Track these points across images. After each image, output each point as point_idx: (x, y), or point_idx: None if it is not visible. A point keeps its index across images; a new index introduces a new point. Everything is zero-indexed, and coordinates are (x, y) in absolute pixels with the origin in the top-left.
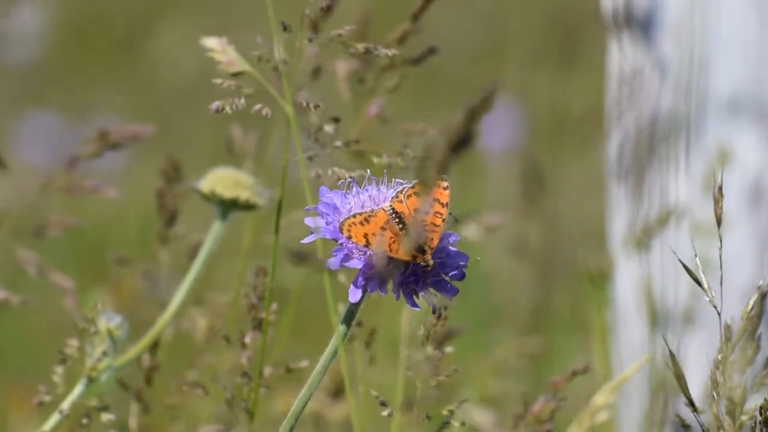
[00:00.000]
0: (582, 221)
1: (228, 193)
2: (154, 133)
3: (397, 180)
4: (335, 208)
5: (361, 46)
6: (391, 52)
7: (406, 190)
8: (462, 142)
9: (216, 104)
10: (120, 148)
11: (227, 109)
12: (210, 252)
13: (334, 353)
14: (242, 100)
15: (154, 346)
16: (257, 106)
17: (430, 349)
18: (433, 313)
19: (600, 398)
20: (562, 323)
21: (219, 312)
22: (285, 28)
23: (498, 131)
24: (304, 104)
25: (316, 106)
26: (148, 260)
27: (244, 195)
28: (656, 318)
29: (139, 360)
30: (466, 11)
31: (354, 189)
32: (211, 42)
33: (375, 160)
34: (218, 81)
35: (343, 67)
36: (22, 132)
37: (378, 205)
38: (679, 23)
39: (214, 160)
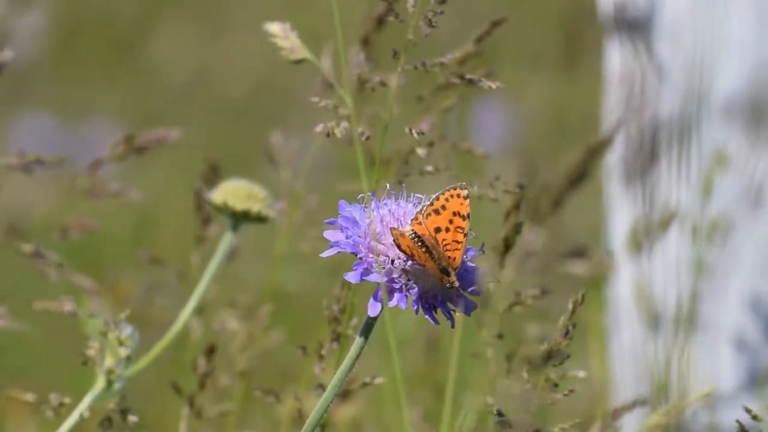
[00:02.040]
0: (579, 224)
1: (240, 205)
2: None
3: (417, 195)
4: (355, 222)
5: (464, 76)
6: (495, 85)
7: (424, 209)
8: (579, 178)
9: (322, 126)
10: (145, 152)
11: (336, 132)
12: (220, 263)
13: (352, 366)
14: (346, 123)
15: (210, 352)
16: (360, 129)
17: (525, 373)
18: (452, 327)
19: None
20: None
21: (254, 319)
22: (395, 54)
23: (493, 132)
24: (408, 130)
25: (420, 133)
26: (180, 261)
27: (255, 207)
28: (656, 321)
29: (194, 364)
30: (463, 14)
31: (373, 203)
32: (274, 27)
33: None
34: (315, 99)
35: (394, 82)
36: (18, 133)
37: (398, 219)
38: (677, 27)
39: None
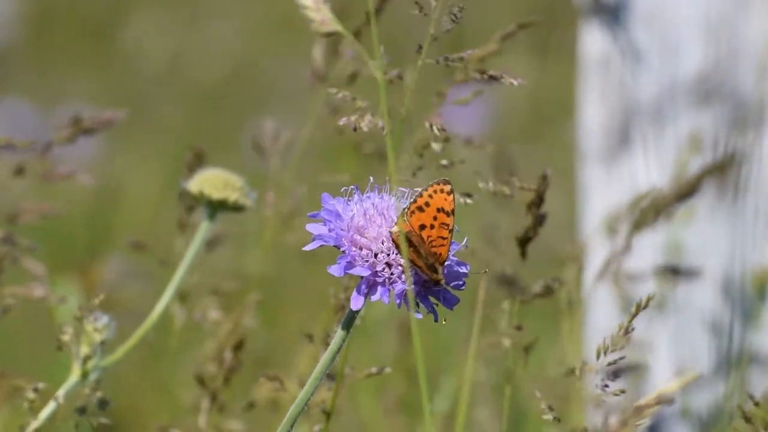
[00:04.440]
0: (553, 207)
1: (217, 194)
2: (128, 120)
3: (400, 189)
4: (338, 215)
5: (486, 72)
6: (517, 81)
7: (408, 206)
8: (688, 194)
9: (345, 119)
10: (93, 133)
11: (362, 125)
12: (197, 253)
13: (333, 358)
14: (370, 116)
15: (238, 347)
16: (381, 123)
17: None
18: (435, 321)
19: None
20: (533, 309)
21: (239, 308)
22: (419, 48)
23: (468, 117)
24: (429, 125)
25: (442, 129)
26: (163, 247)
27: (232, 196)
28: (627, 304)
29: (220, 358)
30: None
31: (356, 196)
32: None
33: (481, 185)
34: (332, 91)
35: (410, 77)
36: None
37: (381, 212)
38: (653, 10)
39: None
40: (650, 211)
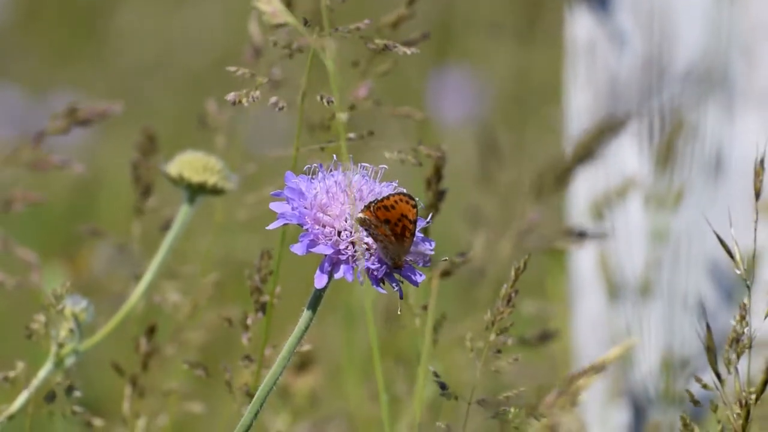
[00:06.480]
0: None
1: (196, 178)
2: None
3: (363, 164)
4: (301, 193)
5: (380, 42)
6: (410, 51)
7: (374, 203)
8: (585, 157)
9: (232, 95)
10: (88, 124)
11: (244, 101)
12: (177, 236)
13: (300, 337)
14: (258, 92)
15: (151, 331)
16: (273, 99)
17: (493, 335)
18: (401, 298)
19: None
20: (520, 295)
21: (198, 289)
22: (306, 23)
23: (455, 100)
24: (319, 98)
25: (330, 101)
26: (120, 233)
27: (212, 179)
28: (615, 290)
29: (136, 344)
30: None
31: (320, 174)
32: None
33: (387, 154)
34: (232, 69)
35: (331, 47)
36: None
37: (344, 190)
38: None
39: (180, 135)
40: (549, 176)
